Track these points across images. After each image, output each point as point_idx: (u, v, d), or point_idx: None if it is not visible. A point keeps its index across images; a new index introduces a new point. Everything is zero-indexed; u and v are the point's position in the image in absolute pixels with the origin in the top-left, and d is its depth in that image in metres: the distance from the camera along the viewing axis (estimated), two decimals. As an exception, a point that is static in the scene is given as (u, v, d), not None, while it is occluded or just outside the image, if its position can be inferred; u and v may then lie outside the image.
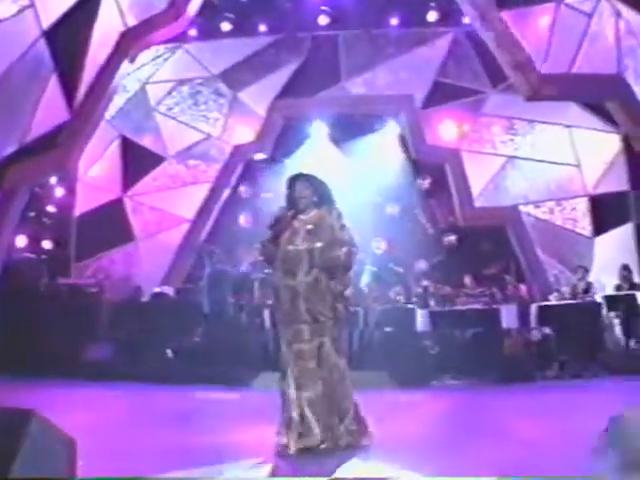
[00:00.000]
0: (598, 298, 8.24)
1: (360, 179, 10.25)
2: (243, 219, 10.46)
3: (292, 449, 3.29)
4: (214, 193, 10.29)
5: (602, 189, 10.03)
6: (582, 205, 10.14)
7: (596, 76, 7.30)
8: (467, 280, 9.26)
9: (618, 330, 8.32)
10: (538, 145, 10.22)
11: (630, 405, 2.65)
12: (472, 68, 10.25)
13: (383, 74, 10.17)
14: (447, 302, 8.71)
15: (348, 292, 3.43)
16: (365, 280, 8.78)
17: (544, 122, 10.17)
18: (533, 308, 8.06)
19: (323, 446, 3.29)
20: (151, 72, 10.65)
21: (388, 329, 7.79)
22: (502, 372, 7.27)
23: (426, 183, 10.50)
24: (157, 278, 9.96)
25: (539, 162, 10.21)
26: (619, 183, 9.94)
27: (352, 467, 3.14)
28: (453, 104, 10.34)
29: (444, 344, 7.86)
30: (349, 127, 10.31)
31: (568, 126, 10.10)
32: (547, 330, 8.09)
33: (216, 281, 7.92)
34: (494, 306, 8.00)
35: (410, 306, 8.05)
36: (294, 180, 3.59)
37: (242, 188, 10.42)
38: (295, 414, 3.32)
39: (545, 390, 6.71)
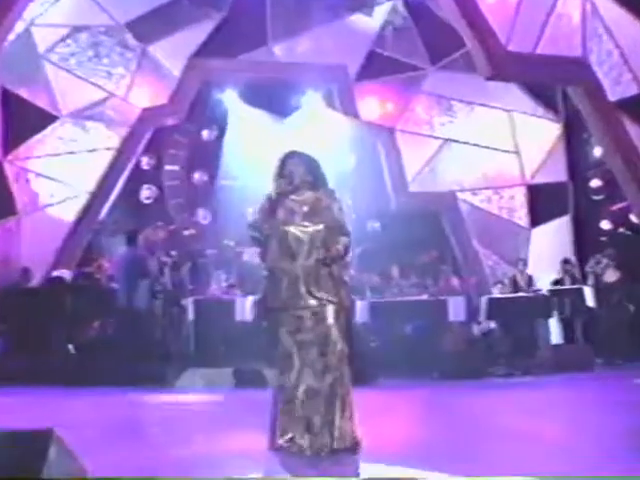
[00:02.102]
0: (545, 292, 8.46)
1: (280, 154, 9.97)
2: (147, 194, 10.07)
3: (305, 449, 3.22)
4: (117, 162, 9.55)
5: (540, 179, 10.24)
6: (520, 194, 10.34)
7: (560, 58, 7.46)
8: (394, 270, 9.22)
9: (561, 325, 8.54)
10: (477, 129, 10.29)
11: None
12: (411, 42, 10.13)
13: (315, 40, 9.86)
14: (375, 293, 8.70)
15: (347, 279, 3.44)
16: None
17: (484, 105, 10.22)
18: (483, 301, 8.11)
19: (325, 447, 3.25)
20: (39, 12, 9.41)
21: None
22: (445, 369, 7.36)
23: (355, 162, 10.39)
24: (45, 260, 8.98)
25: (478, 147, 10.28)
26: (558, 173, 10.19)
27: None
28: (389, 79, 10.21)
29: (383, 338, 7.94)
30: (273, 96, 10.06)
31: (508, 110, 10.23)
32: (491, 324, 8.23)
33: (132, 266, 7.33)
34: (440, 297, 8.08)
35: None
36: (286, 157, 3.50)
37: (144, 159, 9.90)
38: (299, 411, 3.26)
39: (495, 387, 6.83)
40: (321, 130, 9.91)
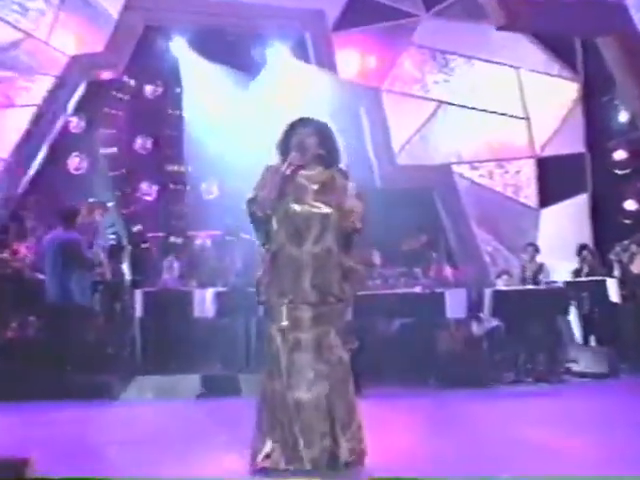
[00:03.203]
0: (560, 284, 8.25)
1: (243, 120, 9.76)
2: (77, 163, 9.71)
3: (280, 466, 3.23)
4: (38, 124, 9.07)
5: (553, 150, 10.08)
6: (528, 168, 10.19)
7: (592, 3, 7.17)
8: (376, 257, 8.97)
9: (579, 323, 8.43)
10: (478, 89, 10.08)
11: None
12: (401, -19, 9.95)
13: (284, -23, 9.76)
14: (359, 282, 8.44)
15: (360, 267, 3.50)
16: (240, 253, 8.75)
17: (487, 60, 10.03)
18: (486, 295, 7.85)
19: (312, 464, 3.24)
20: None
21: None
22: (443, 375, 7.16)
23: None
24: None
25: (478, 111, 10.07)
26: (574, 143, 10.00)
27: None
28: (374, 28, 9.96)
29: (364, 338, 7.35)
30: (232, 46, 9.87)
31: (516, 67, 10.04)
32: (495, 322, 7.98)
33: (63, 252, 6.91)
34: (437, 290, 7.82)
35: None
36: (297, 124, 3.52)
37: (73, 120, 9.56)
38: (284, 422, 3.25)
39: (502, 397, 6.67)
40: (289, 89, 9.76)
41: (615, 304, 7.98)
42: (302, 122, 3.52)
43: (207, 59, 9.85)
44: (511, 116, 10.10)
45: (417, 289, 7.99)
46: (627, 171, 9.65)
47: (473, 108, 10.06)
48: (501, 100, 10.05)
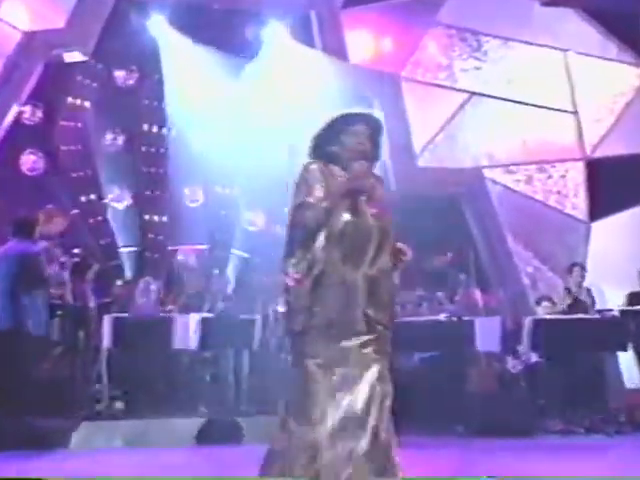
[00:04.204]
0: (615, 313, 8.04)
1: (235, 114, 9.84)
2: (31, 162, 9.71)
3: None
4: None
5: (607, 150, 9.98)
6: (575, 173, 10.12)
7: None
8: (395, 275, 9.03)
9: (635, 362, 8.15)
10: (517, 77, 10.06)
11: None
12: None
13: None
14: None
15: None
16: (230, 272, 8.91)
17: (528, 42, 10.02)
18: (526, 325, 7.70)
19: None
20: None
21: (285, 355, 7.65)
22: (473, 421, 7.16)
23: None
24: None
25: (516, 104, 10.01)
26: (633, 142, 9.84)
27: None
28: (391, 4, 10.07)
29: None
30: (220, 25, 9.89)
31: (564, 50, 9.99)
32: (535, 357, 7.88)
33: (17, 268, 6.85)
34: (465, 318, 7.81)
35: None
36: (353, 121, 3.48)
37: (27, 110, 9.59)
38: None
39: (548, 449, 6.57)
40: (289, 78, 10.01)
41: None
42: (360, 119, 3.49)
43: (191, 40, 9.87)
44: (556, 110, 10.09)
45: (441, 317, 7.99)
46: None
47: (509, 100, 10.05)
48: (544, 90, 10.02)
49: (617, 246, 9.59)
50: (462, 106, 10.08)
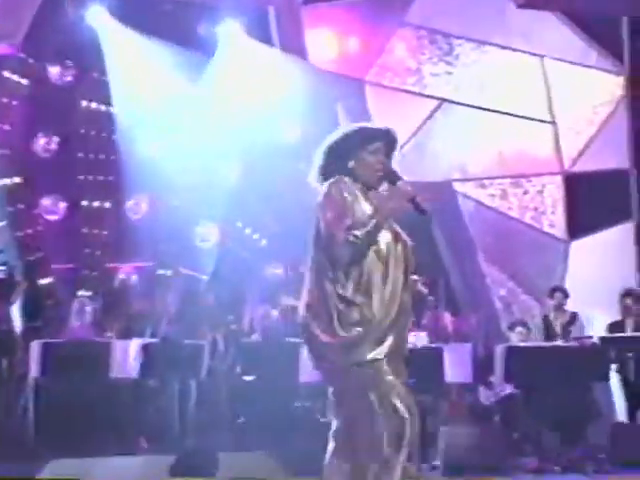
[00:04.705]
0: (596, 340, 8.03)
1: (185, 117, 9.83)
2: None
3: None
4: None
5: (587, 164, 10.05)
6: (553, 188, 10.18)
7: None
8: None
9: (623, 393, 8.12)
10: (490, 84, 10.11)
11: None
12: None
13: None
14: None
15: None
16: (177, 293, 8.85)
17: (503, 46, 10.06)
18: (498, 353, 7.68)
19: None
20: None
21: (249, 378, 7.68)
22: (445, 458, 7.12)
23: (300, 132, 10.10)
24: None
25: (490, 113, 10.05)
26: (614, 156, 9.97)
27: None
28: (356, 1, 10.10)
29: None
30: (167, 18, 9.83)
31: (541, 55, 10.04)
32: (509, 388, 7.85)
33: None
34: (432, 345, 7.84)
35: (292, 340, 7.75)
36: (373, 136, 3.58)
37: None
38: None
39: None
40: (245, 79, 10.01)
41: None
42: (380, 135, 3.58)
43: (138, 33, 9.78)
44: (533, 119, 10.13)
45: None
46: (686, 193, 9.70)
47: (483, 108, 10.05)
48: (520, 98, 10.08)
49: (597, 267, 9.67)
50: (432, 114, 10.09)
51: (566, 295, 8.63)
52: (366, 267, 3.45)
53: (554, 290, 8.72)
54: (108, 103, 9.86)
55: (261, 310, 8.75)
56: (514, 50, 10.03)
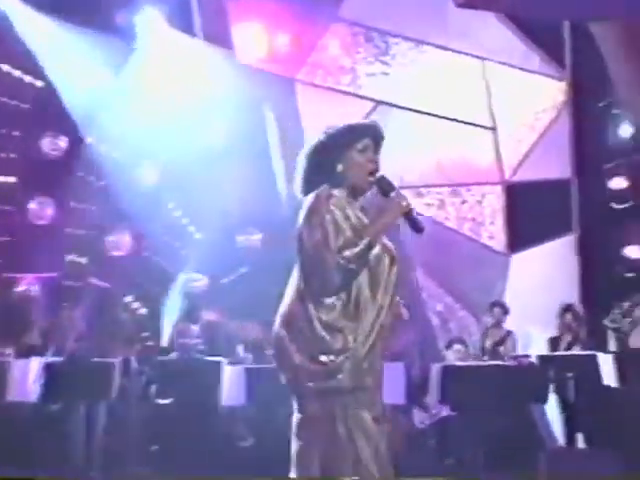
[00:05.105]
0: (534, 359, 8.11)
1: (98, 110, 9.78)
2: None
3: None
4: None
5: (528, 173, 10.15)
6: (493, 198, 10.26)
7: None
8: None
9: (562, 414, 8.24)
10: (429, 86, 10.13)
11: None
12: None
13: None
14: (253, 354, 8.78)
15: None
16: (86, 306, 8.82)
17: (443, 47, 10.12)
18: (433, 372, 7.74)
19: None
20: None
21: (165, 401, 7.67)
22: None
23: (224, 135, 10.05)
24: None
25: (427, 117, 10.11)
26: (557, 165, 10.08)
27: None
28: None
29: (266, 430, 7.74)
30: (88, 7, 9.72)
31: (482, 58, 10.13)
32: (445, 411, 7.93)
33: None
34: None
35: (214, 358, 7.85)
36: (361, 134, 3.59)
37: None
38: None
39: None
40: (165, 73, 9.94)
41: (610, 389, 7.86)
42: (367, 131, 3.60)
43: (51, 19, 9.68)
44: (472, 124, 10.22)
45: None
46: (628, 205, 9.70)
47: (420, 112, 10.08)
48: (460, 102, 10.15)
49: (538, 281, 9.75)
50: (367, 116, 9.93)
51: (505, 311, 8.83)
52: (355, 289, 3.39)
53: (493, 305, 8.91)
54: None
55: (180, 325, 8.63)
56: (454, 51, 10.09)
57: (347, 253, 3.28)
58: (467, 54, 10.10)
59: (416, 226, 3.39)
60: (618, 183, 9.65)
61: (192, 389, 7.58)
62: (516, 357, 8.39)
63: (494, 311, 8.83)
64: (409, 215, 3.39)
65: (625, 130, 9.48)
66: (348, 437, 3.35)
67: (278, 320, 3.42)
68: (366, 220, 3.45)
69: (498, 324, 8.77)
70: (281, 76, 10.05)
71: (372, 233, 3.34)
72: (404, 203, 3.38)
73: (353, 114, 9.81)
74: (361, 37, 10.11)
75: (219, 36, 9.88)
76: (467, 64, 10.13)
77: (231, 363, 7.94)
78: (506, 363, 8.19)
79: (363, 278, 3.41)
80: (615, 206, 9.69)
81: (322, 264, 3.29)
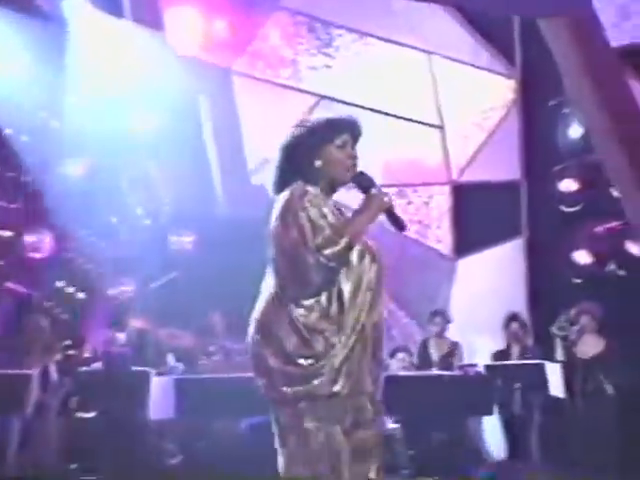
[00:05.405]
0: (480, 369, 8.20)
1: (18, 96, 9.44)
2: None
3: None
4: None
5: (476, 174, 10.20)
6: (440, 199, 10.31)
7: None
8: (217, 322, 9.22)
9: (506, 427, 8.34)
10: (373, 81, 10.13)
11: None
12: None
13: None
14: (184, 363, 8.67)
15: None
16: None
17: (388, 40, 10.13)
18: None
19: None
20: None
21: (89, 415, 7.73)
22: None
23: (155, 127, 9.91)
24: None
25: (371, 113, 10.06)
26: (505, 166, 10.16)
27: None
28: None
29: (196, 446, 7.81)
30: None
31: (429, 53, 10.18)
32: (389, 422, 7.98)
33: None
34: None
35: (141, 369, 7.80)
36: (339, 129, 3.57)
37: None
38: None
39: None
40: (91, 58, 9.74)
41: (558, 400, 8.01)
42: (346, 126, 3.58)
43: None
44: (419, 122, 10.25)
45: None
46: (578, 208, 9.78)
47: (365, 108, 10.00)
48: (406, 98, 10.17)
49: (485, 287, 9.82)
50: (309, 112, 9.92)
51: (447, 320, 8.90)
52: (335, 289, 3.40)
53: (434, 314, 8.95)
54: None
55: (105, 333, 8.57)
56: (400, 44, 10.10)
57: (327, 251, 3.27)
58: (414, 48, 10.13)
59: (398, 223, 3.41)
60: (568, 185, 9.71)
61: (117, 402, 7.48)
62: (462, 367, 8.46)
63: (435, 320, 8.88)
64: (390, 212, 3.42)
65: (575, 130, 9.54)
66: (319, 449, 3.36)
67: (253, 325, 3.42)
68: (342, 217, 3.48)
69: (441, 333, 8.81)
70: (217, 66, 9.97)
71: (352, 231, 3.34)
72: (385, 199, 3.42)
73: (294, 108, 9.95)
74: (303, 27, 10.11)
75: (150, 21, 9.71)
76: (413, 58, 10.17)
77: (160, 374, 7.83)
78: (452, 373, 8.24)
79: (343, 277, 3.40)
80: (565, 209, 9.77)
81: (300, 263, 3.28)
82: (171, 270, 9.73)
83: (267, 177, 10.79)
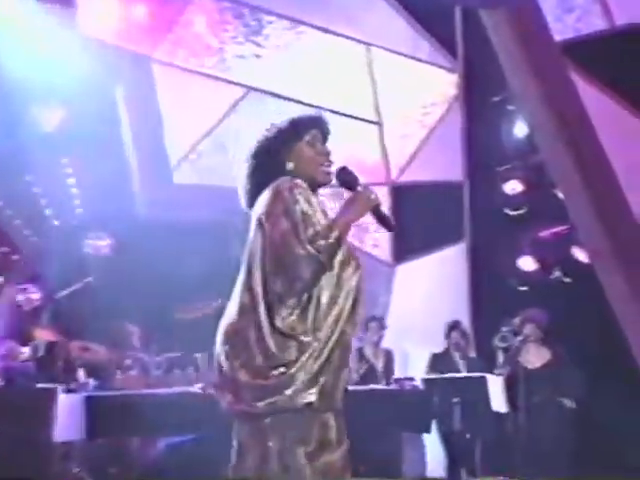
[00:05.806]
0: (418, 383, 8.29)
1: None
2: None
3: None
4: None
5: (416, 174, 10.33)
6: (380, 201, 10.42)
7: None
8: (133, 333, 9.24)
9: (446, 446, 8.39)
10: (307, 72, 10.21)
11: None
12: None
13: None
14: (103, 376, 8.69)
15: None
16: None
17: (324, 29, 10.22)
18: None
19: None
20: None
21: None
22: None
23: (69, 119, 9.84)
24: None
25: (303, 106, 9.74)
26: (447, 166, 10.26)
27: None
28: None
29: (108, 470, 7.84)
30: None
31: (367, 44, 10.27)
32: None
33: None
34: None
35: (46, 385, 7.72)
36: (307, 126, 3.66)
37: None
38: None
39: None
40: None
41: (500, 415, 8.11)
42: (313, 123, 3.66)
43: None
44: (355, 118, 10.35)
45: (198, 387, 7.97)
46: (522, 211, 9.91)
47: (296, 101, 10.12)
48: (342, 92, 10.23)
49: (425, 295, 9.95)
50: (235, 104, 10.17)
51: (382, 326, 8.96)
52: (315, 293, 3.44)
53: (369, 320, 8.94)
54: None
55: (6, 346, 8.44)
56: (335, 34, 10.18)
57: (320, 242, 3.32)
58: (350, 38, 10.20)
59: (386, 223, 3.47)
60: (513, 187, 9.82)
61: (17, 422, 7.35)
62: (398, 380, 8.51)
63: (370, 326, 8.91)
64: (377, 210, 3.47)
65: (521, 129, 9.65)
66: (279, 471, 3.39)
67: (220, 337, 3.45)
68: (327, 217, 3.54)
69: (377, 342, 8.88)
70: (134, 54, 9.94)
71: (341, 227, 3.40)
72: (372, 197, 3.46)
73: (220, 100, 10.11)
74: (230, 13, 10.12)
75: (61, 2, 9.65)
76: (350, 50, 10.25)
77: (69, 390, 7.79)
78: (386, 387, 8.33)
79: (325, 281, 3.44)
80: (509, 212, 9.89)
81: (290, 254, 3.33)
82: (84, 276, 9.60)
83: (190, 175, 10.88)
